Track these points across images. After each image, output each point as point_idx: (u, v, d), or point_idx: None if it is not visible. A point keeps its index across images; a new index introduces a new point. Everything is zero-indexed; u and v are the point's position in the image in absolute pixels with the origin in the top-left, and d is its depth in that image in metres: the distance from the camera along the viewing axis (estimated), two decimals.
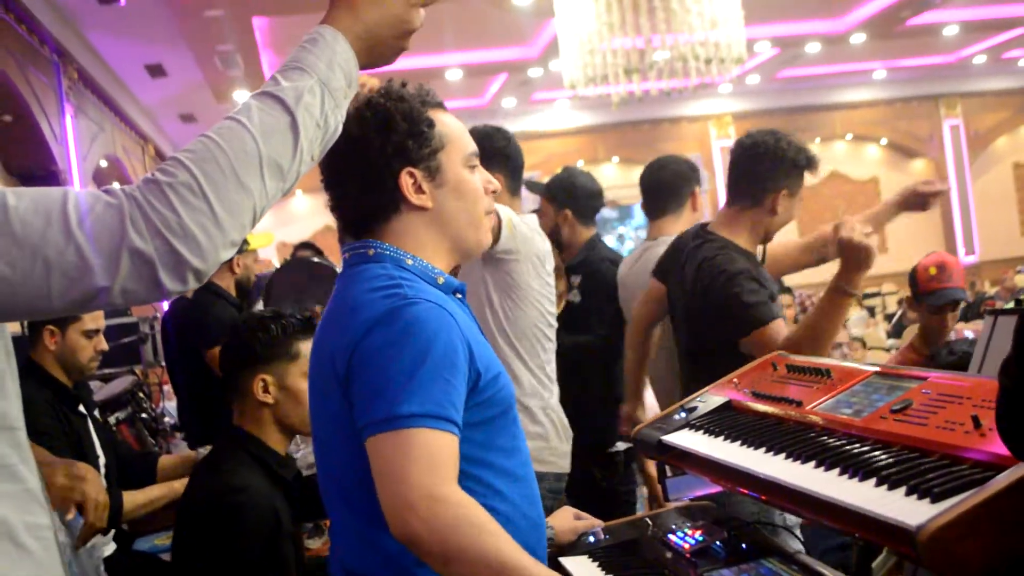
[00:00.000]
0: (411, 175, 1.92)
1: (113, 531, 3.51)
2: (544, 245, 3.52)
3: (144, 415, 5.62)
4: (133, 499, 3.21)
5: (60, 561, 1.53)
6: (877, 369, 2.18)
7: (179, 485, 3.32)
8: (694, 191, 4.26)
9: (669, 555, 2.21)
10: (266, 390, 2.72)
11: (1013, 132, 20.21)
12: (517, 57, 14.16)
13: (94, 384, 5.45)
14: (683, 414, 2.46)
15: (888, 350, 9.57)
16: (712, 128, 18.68)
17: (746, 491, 2.07)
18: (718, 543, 2.18)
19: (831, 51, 15.77)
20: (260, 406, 2.73)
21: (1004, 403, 1.41)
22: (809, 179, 3.48)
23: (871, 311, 16.08)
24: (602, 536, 2.41)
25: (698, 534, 2.23)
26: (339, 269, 2.03)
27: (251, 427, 2.76)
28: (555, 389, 3.51)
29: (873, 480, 1.67)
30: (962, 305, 4.45)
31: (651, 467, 3.78)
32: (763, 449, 2.02)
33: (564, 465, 3.47)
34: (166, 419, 6.17)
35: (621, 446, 4.22)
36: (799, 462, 1.88)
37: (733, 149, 3.57)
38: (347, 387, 1.79)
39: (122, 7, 8.94)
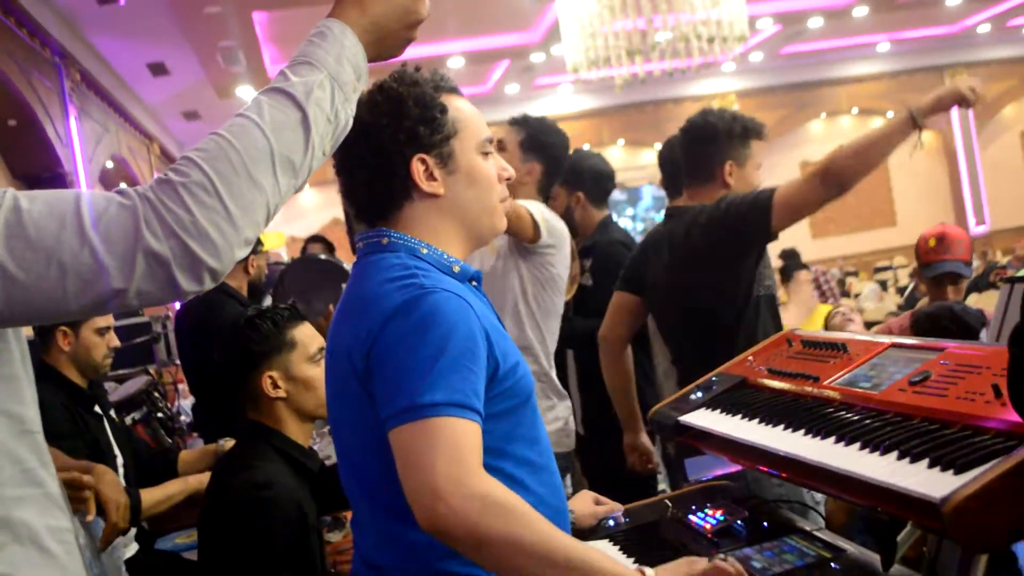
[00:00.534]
0: (423, 162, 1.89)
1: (135, 531, 3.52)
2: (567, 231, 3.63)
3: (160, 414, 5.63)
4: (151, 496, 3.21)
5: (82, 564, 1.53)
6: (893, 341, 2.16)
7: (194, 480, 3.32)
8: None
9: (690, 536, 2.20)
10: (275, 385, 2.72)
11: (1020, 100, 20.13)
12: (519, 43, 14.13)
13: (109, 385, 5.47)
14: (699, 394, 2.46)
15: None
16: (717, 107, 18.65)
17: (766, 469, 2.06)
18: (739, 522, 2.17)
19: (833, 25, 15.70)
20: (273, 401, 2.73)
21: (1014, 373, 1.40)
22: (759, 147, 3.60)
23: (883, 284, 16.03)
24: (622, 519, 2.40)
25: (719, 514, 2.22)
26: (347, 267, 2.01)
27: (270, 422, 2.76)
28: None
29: (895, 453, 1.66)
30: (966, 281, 4.40)
31: None
32: (782, 426, 2.01)
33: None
34: (182, 417, 6.19)
35: None
36: (819, 438, 1.87)
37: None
38: (366, 381, 1.77)
39: (122, 7, 8.95)
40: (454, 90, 1.98)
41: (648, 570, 1.73)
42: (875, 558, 1.88)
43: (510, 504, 1.63)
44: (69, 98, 9.20)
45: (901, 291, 14.74)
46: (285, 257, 10.56)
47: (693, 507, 2.32)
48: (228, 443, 3.49)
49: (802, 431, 1.94)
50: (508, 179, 2.03)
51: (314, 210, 17.21)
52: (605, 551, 2.24)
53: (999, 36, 18.90)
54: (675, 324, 3.65)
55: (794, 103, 18.89)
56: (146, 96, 12.79)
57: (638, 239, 4.39)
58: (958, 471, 1.51)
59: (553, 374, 3.58)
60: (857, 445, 1.76)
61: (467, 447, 1.65)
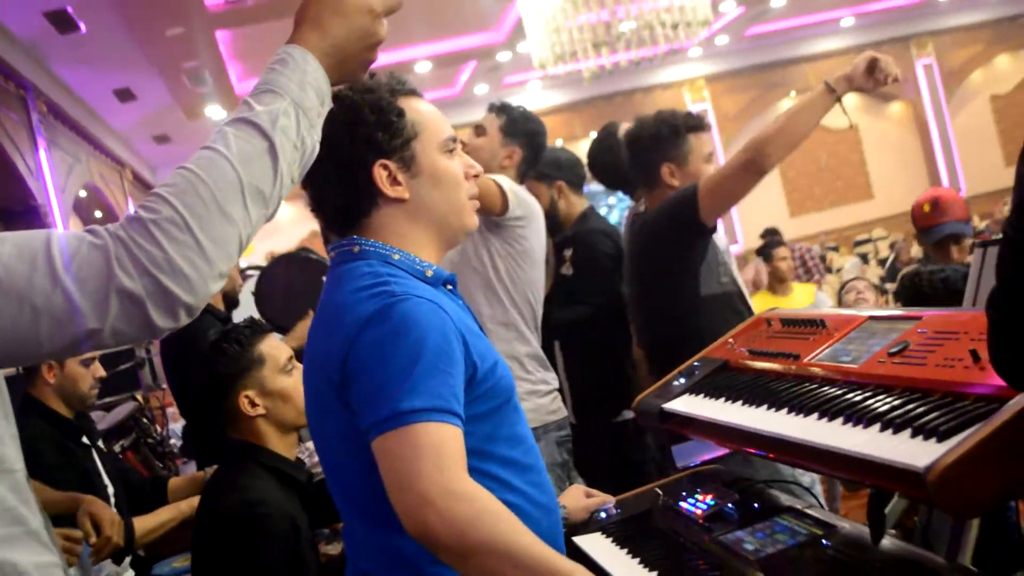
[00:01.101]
0: (385, 167, 1.88)
1: (129, 559, 3.50)
2: (539, 205, 3.68)
3: (149, 440, 5.61)
4: (143, 524, 3.20)
5: None
6: (871, 314, 2.17)
7: (186, 506, 3.31)
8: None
9: (682, 523, 2.20)
10: (253, 403, 2.71)
11: (987, 65, 20.20)
12: (484, 43, 14.12)
13: (96, 414, 5.44)
14: (682, 380, 2.45)
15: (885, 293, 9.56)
16: (686, 93, 18.63)
17: (753, 451, 2.06)
18: (730, 505, 2.17)
19: (797, 3, 15.75)
20: (254, 419, 2.72)
21: (994, 335, 1.41)
22: (701, 139, 3.62)
23: (864, 257, 16.11)
24: (614, 510, 2.40)
25: (709, 499, 2.22)
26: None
27: (253, 439, 2.75)
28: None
29: (877, 425, 1.66)
30: (968, 240, 4.44)
31: None
32: (765, 406, 2.01)
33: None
34: (172, 441, 6.16)
35: (628, 415, 4.20)
36: (802, 415, 1.87)
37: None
38: (343, 392, 1.76)
39: (83, 35, 8.91)
40: (412, 92, 1.97)
41: None
42: (866, 532, 1.88)
43: (497, 510, 1.62)
44: (37, 130, 9.15)
45: (882, 263, 14.81)
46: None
47: (684, 494, 2.32)
48: (212, 469, 3.48)
49: (785, 410, 1.94)
50: (475, 176, 2.02)
51: (291, 224, 17.13)
52: (599, 544, 2.25)
53: (961, 3, 18.98)
54: (640, 327, 3.73)
55: (763, 84, 18.92)
56: (115, 123, 12.74)
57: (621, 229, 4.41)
58: (941, 439, 1.51)
59: (541, 352, 3.62)
60: (840, 420, 1.76)
61: (452, 453, 1.64)
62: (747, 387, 2.18)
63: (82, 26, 8.79)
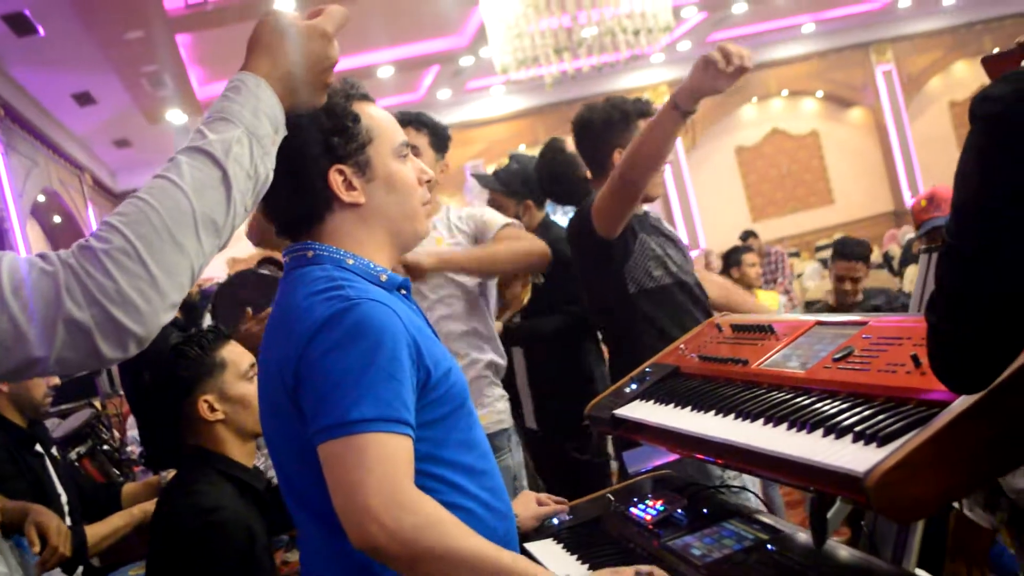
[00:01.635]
0: (340, 172, 1.88)
1: (82, 569, 3.47)
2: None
3: (106, 447, 5.56)
4: (96, 531, 3.17)
5: None
6: (818, 320, 2.18)
7: (139, 511, 3.29)
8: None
9: (632, 528, 2.21)
10: (212, 408, 2.69)
11: (945, 71, 20.40)
12: (447, 48, 14.12)
13: (52, 421, 5.40)
14: (634, 385, 2.46)
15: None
16: (650, 99, 18.74)
17: (702, 456, 2.08)
18: (679, 511, 2.18)
19: (758, 10, 15.84)
20: (212, 424, 2.70)
21: (932, 340, 1.43)
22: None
23: (824, 263, 16.19)
24: (566, 516, 2.40)
25: (659, 504, 2.23)
26: None
27: (211, 445, 2.73)
28: None
29: (820, 431, 1.67)
30: None
31: None
32: (713, 412, 2.02)
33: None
34: (129, 448, 6.11)
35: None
36: (748, 421, 1.89)
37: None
38: (296, 397, 1.76)
39: (41, 38, 8.84)
40: (365, 97, 1.98)
41: None
42: (811, 537, 1.89)
43: (442, 520, 1.63)
44: None
45: None
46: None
47: (635, 499, 2.33)
48: (171, 474, 3.45)
49: (732, 415, 1.95)
50: (428, 181, 2.03)
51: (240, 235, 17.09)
52: (550, 550, 2.25)
53: (920, 9, 19.15)
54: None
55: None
56: (74, 126, 12.63)
57: None
58: (881, 444, 1.52)
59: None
60: (784, 426, 1.77)
61: (397, 463, 1.64)
62: (696, 393, 2.20)
63: (40, 29, 8.72)
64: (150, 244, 1.36)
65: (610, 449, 4.08)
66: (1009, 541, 2.36)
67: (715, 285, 3.92)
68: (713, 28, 16.73)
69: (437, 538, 1.60)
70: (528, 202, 4.48)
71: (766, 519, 2.07)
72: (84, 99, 11.45)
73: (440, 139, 3.69)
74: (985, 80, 1.40)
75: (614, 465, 4.34)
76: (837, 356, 1.91)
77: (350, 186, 1.89)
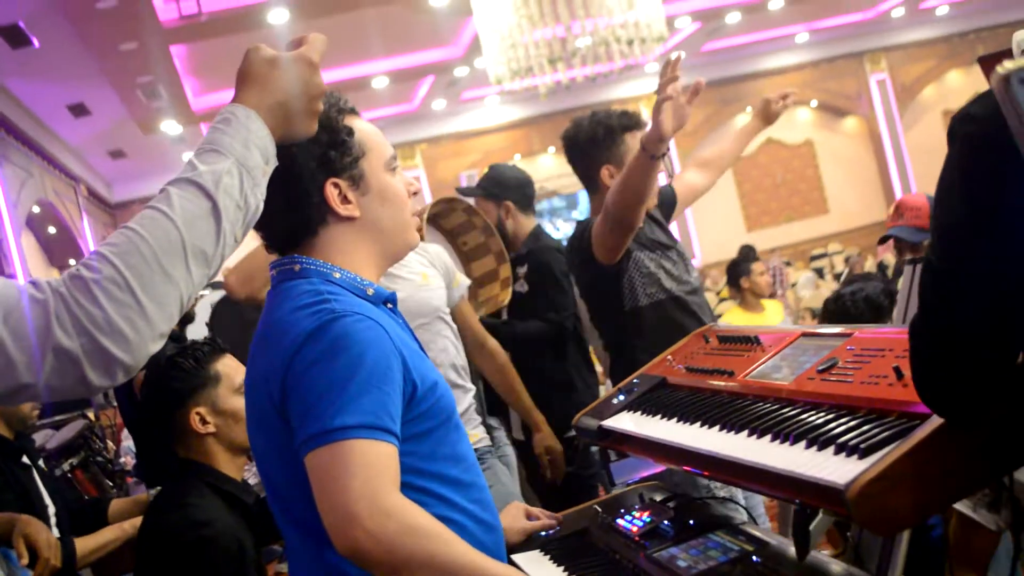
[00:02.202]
0: (336, 186, 1.89)
1: None
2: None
3: (99, 458, 5.55)
4: (85, 545, 3.16)
5: None
6: (804, 331, 2.19)
7: (129, 526, 3.28)
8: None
9: (619, 540, 2.21)
10: (204, 421, 2.69)
11: (939, 80, 20.45)
12: (442, 58, 14.15)
13: (45, 432, 5.38)
14: (621, 397, 2.47)
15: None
16: (644, 108, 18.65)
17: (688, 468, 2.08)
18: (666, 522, 2.18)
19: (751, 20, 15.88)
20: (203, 437, 2.71)
21: (916, 363, 1.43)
22: (637, 137, 3.54)
23: (819, 272, 16.23)
24: (553, 528, 2.40)
25: (646, 515, 2.23)
26: None
27: (201, 458, 2.73)
28: None
29: (803, 443, 1.68)
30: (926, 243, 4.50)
31: None
32: (699, 423, 2.02)
33: None
34: (123, 459, 6.10)
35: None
36: (733, 432, 1.89)
37: None
38: (282, 409, 1.76)
39: (36, 49, 8.85)
40: (354, 111, 1.99)
41: None
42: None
43: (426, 526, 1.63)
44: None
45: (837, 277, 14.92)
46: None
47: (621, 511, 2.33)
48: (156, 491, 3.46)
49: (717, 427, 1.95)
50: (415, 192, 2.04)
51: (251, 237, 17.08)
52: (536, 561, 2.26)
53: (913, 19, 19.21)
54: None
55: (719, 99, 19.03)
56: (69, 137, 12.64)
57: None
58: (862, 456, 1.52)
59: None
60: (768, 437, 1.77)
61: (381, 469, 1.65)
62: (682, 404, 2.20)
63: (35, 41, 8.73)
64: (140, 274, 1.37)
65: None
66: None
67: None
68: (707, 38, 16.78)
69: (422, 544, 1.61)
70: (507, 203, 4.49)
71: (752, 531, 2.07)
72: (79, 110, 11.45)
73: None
74: (979, 87, 1.40)
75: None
76: (821, 368, 1.92)
77: (345, 199, 1.90)
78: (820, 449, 1.63)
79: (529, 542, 2.37)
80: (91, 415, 6.08)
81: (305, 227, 1.91)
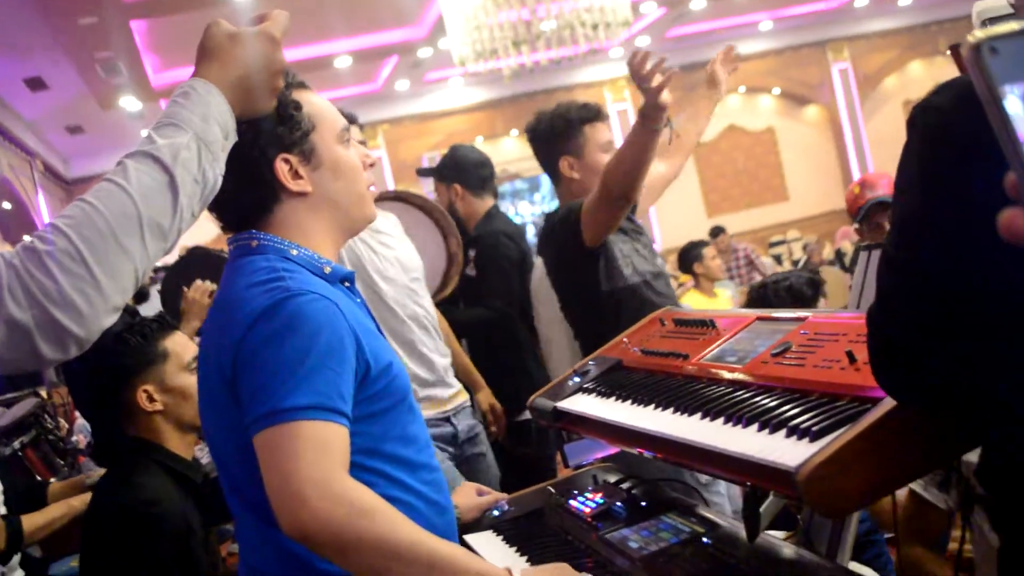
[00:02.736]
0: (286, 161, 1.87)
1: (18, 557, 3.44)
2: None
3: (51, 437, 5.48)
4: (33, 521, 3.14)
5: None
6: (759, 315, 2.20)
7: (78, 502, 3.26)
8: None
9: (572, 521, 2.22)
10: (151, 398, 2.67)
11: (901, 71, 20.56)
12: (405, 38, 14.04)
13: None
14: (576, 379, 2.47)
15: None
16: (607, 93, 18.71)
17: (641, 450, 2.08)
18: (618, 504, 2.19)
19: (716, 6, 15.90)
20: (151, 415, 2.68)
21: (873, 352, 1.44)
22: (596, 129, 3.66)
23: (778, 259, 16.33)
24: (506, 508, 2.40)
25: (598, 497, 2.24)
26: None
27: (149, 436, 2.71)
28: None
29: (755, 425, 1.68)
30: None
31: None
32: (652, 405, 2.03)
33: None
34: (75, 438, 6.04)
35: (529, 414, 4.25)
36: (686, 415, 1.89)
37: None
38: (233, 387, 1.75)
39: None
40: (303, 85, 1.97)
41: (516, 570, 1.74)
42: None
43: (375, 508, 1.62)
44: None
45: (795, 264, 15.02)
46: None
47: (575, 492, 2.33)
48: (96, 474, 3.45)
49: (671, 409, 1.95)
50: (371, 165, 2.03)
51: (205, 218, 16.94)
52: (489, 542, 2.25)
53: (877, 9, 19.30)
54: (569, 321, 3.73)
55: (684, 85, 18.87)
56: (25, 112, 12.45)
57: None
58: (813, 439, 1.53)
59: None
60: (721, 420, 1.78)
61: (330, 451, 1.64)
62: (637, 386, 2.20)
63: None
64: (94, 247, 1.36)
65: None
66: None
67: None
68: (672, 24, 16.77)
69: (369, 527, 1.59)
70: (455, 186, 4.49)
71: (704, 512, 2.09)
72: (36, 84, 11.28)
73: None
74: (940, 78, 1.40)
75: None
76: (775, 351, 1.92)
77: (296, 175, 1.88)
78: (772, 432, 1.63)
79: (482, 522, 2.37)
80: (43, 393, 6.02)
81: (258, 205, 1.89)
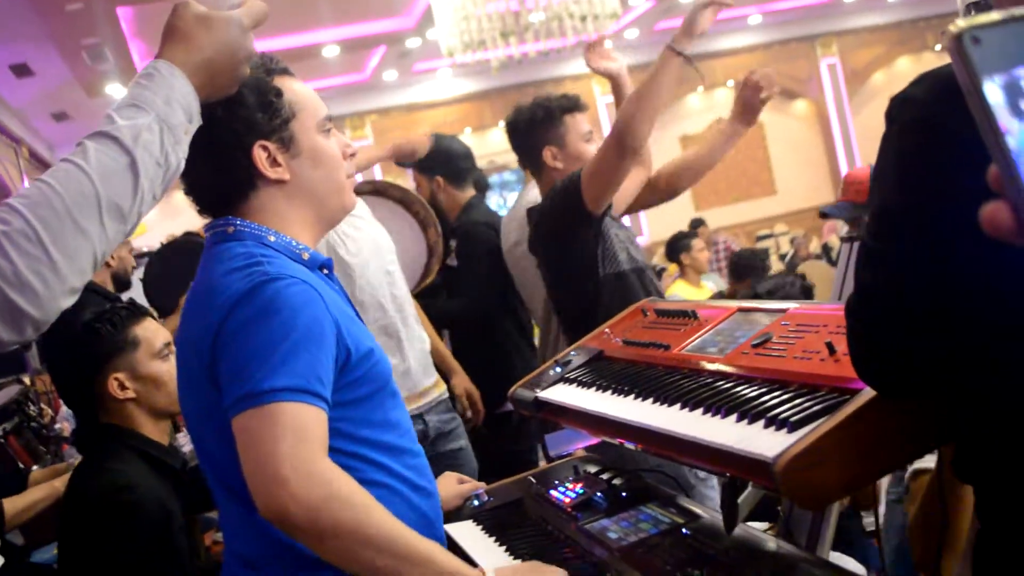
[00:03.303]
0: (264, 148, 1.86)
1: (0, 542, 3.43)
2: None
3: (34, 424, 5.47)
4: (14, 504, 3.13)
5: None
6: (740, 306, 2.20)
7: (60, 483, 3.24)
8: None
9: (552, 511, 2.22)
10: (123, 386, 2.66)
11: (889, 66, 20.60)
12: (394, 28, 13.99)
13: None
14: (558, 369, 2.47)
15: None
16: (596, 85, 18.66)
17: (622, 440, 2.08)
18: (599, 494, 2.19)
19: None
20: (123, 403, 2.67)
21: (852, 343, 1.44)
22: (577, 120, 3.66)
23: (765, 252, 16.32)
24: (486, 498, 2.40)
25: (579, 487, 2.24)
26: None
27: (124, 423, 2.70)
28: None
29: (735, 416, 1.68)
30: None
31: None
32: (632, 396, 2.03)
33: None
34: (58, 425, 6.02)
35: (511, 406, 4.24)
36: (666, 405, 1.89)
37: None
38: (212, 372, 1.74)
39: None
40: (286, 71, 1.96)
41: (489, 570, 1.74)
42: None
43: (353, 494, 1.62)
44: None
45: (782, 258, 15.05)
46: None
47: (555, 482, 2.33)
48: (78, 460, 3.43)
49: (651, 399, 1.95)
50: (352, 155, 2.02)
51: (190, 206, 16.90)
52: (469, 532, 2.25)
53: (866, 4, 19.33)
54: (558, 311, 3.71)
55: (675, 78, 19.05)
56: (11, 99, 12.38)
57: None
58: (791, 430, 1.53)
59: None
60: (700, 410, 1.78)
61: (309, 433, 1.63)
62: (618, 376, 2.20)
63: None
64: (51, 227, 1.35)
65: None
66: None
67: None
68: (661, 16, 16.75)
69: (347, 513, 1.59)
70: (437, 178, 4.48)
71: (684, 503, 2.09)
72: (22, 71, 11.21)
73: None
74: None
75: None
76: (756, 342, 1.92)
77: (274, 162, 1.87)
78: (751, 423, 1.63)
79: (462, 512, 2.37)
80: (27, 380, 6.00)
81: (235, 191, 1.88)
